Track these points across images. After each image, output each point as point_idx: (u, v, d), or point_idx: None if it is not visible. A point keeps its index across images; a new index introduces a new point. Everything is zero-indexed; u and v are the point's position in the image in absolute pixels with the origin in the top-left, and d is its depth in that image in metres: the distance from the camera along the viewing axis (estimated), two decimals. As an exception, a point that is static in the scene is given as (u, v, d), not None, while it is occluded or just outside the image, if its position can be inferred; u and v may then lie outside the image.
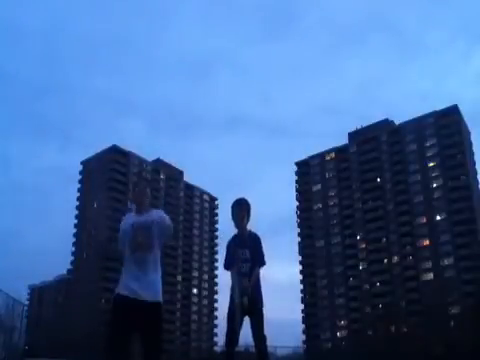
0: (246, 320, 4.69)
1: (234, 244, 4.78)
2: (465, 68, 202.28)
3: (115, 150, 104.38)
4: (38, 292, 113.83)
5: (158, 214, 4.08)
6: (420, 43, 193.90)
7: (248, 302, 4.51)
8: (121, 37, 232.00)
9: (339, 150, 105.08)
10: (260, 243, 4.80)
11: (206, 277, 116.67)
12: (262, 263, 4.75)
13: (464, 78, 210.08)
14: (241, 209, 4.84)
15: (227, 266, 4.81)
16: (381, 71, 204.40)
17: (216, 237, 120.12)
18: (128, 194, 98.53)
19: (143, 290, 3.79)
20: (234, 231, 4.92)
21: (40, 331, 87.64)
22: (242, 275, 4.64)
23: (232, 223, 4.91)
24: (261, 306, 4.69)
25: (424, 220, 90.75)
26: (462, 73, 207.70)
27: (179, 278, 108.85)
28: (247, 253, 4.72)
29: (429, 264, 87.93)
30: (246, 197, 4.97)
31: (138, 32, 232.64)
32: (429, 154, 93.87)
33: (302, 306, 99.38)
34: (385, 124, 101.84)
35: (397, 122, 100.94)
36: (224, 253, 4.94)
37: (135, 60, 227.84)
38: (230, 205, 4.89)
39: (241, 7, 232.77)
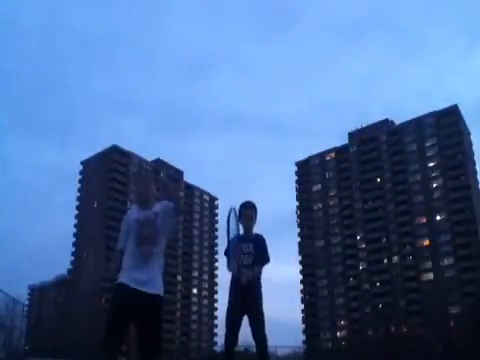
0: (245, 321, 4.68)
1: (238, 239, 4.79)
2: (466, 66, 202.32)
3: (115, 150, 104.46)
4: (38, 292, 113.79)
5: (161, 205, 4.12)
6: (420, 41, 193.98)
7: (247, 284, 4.52)
8: (120, 35, 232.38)
9: (339, 150, 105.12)
10: (265, 242, 4.86)
11: (206, 277, 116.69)
12: (267, 260, 4.80)
13: (464, 76, 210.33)
14: (249, 209, 4.93)
15: (227, 252, 4.82)
16: (381, 69, 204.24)
17: (216, 237, 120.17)
18: (128, 194, 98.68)
19: (146, 282, 3.85)
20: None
21: (40, 331, 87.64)
22: (243, 267, 4.66)
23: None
24: (261, 306, 4.68)
25: (424, 220, 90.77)
26: (462, 71, 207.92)
27: (179, 278, 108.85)
28: (250, 247, 4.77)
29: (429, 264, 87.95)
30: (250, 199, 5.04)
31: (138, 30, 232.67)
32: (429, 154, 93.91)
33: (302, 306, 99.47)
34: (385, 124, 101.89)
35: (397, 122, 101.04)
36: (224, 255, 4.95)
37: (134, 59, 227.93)
38: (237, 207, 4.94)
39: (240, 5, 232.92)
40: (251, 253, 4.73)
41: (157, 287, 3.90)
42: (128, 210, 4.29)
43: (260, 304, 4.69)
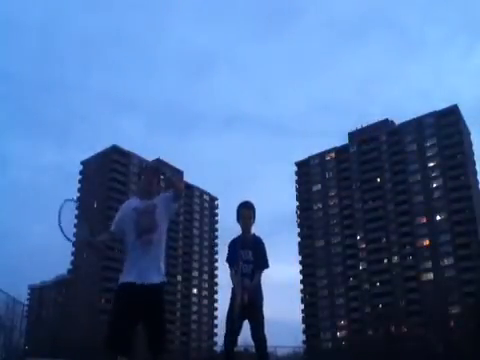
0: (246, 321, 4.69)
1: (237, 244, 4.78)
2: (466, 66, 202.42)
3: (115, 150, 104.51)
4: (38, 292, 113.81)
5: (160, 197, 4.15)
6: (420, 41, 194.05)
7: (248, 301, 4.53)
8: (120, 34, 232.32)
9: (339, 150, 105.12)
10: (264, 247, 4.83)
11: (206, 277, 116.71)
12: (265, 266, 4.79)
13: (464, 76, 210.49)
14: (248, 209, 4.90)
15: (229, 260, 4.81)
16: (382, 69, 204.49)
17: (216, 237, 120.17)
18: (128, 194, 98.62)
19: (148, 272, 3.87)
20: (234, 231, 4.94)
21: (40, 331, 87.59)
22: (244, 276, 4.66)
23: (233, 224, 4.92)
24: (261, 308, 4.69)
25: (424, 220, 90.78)
26: (462, 71, 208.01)
27: (179, 278, 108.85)
28: (250, 254, 4.74)
29: (429, 264, 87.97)
30: (249, 199, 5.02)
31: (137, 29, 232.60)
32: (429, 154, 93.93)
33: (302, 306, 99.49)
34: (385, 124, 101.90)
35: (397, 122, 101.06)
36: (224, 252, 4.95)
37: (134, 58, 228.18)
38: (236, 208, 4.92)
39: (240, 5, 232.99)
40: (250, 261, 4.71)
41: (159, 275, 3.92)
42: (128, 199, 4.31)
43: (260, 306, 4.70)
